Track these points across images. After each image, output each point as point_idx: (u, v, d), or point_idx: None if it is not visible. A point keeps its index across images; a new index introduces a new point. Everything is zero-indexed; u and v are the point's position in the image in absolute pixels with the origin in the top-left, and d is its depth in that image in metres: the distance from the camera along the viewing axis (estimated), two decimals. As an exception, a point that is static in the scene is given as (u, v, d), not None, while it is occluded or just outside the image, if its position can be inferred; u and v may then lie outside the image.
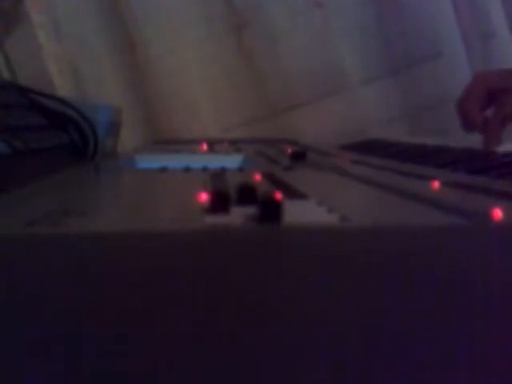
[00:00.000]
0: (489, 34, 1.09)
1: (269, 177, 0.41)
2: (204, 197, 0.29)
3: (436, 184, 0.36)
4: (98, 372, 0.11)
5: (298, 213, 0.26)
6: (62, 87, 1.03)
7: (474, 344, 0.13)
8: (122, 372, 0.11)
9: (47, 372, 0.11)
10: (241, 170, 0.52)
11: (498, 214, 0.25)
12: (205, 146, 0.74)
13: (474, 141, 0.69)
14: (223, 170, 0.48)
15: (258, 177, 0.41)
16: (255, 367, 0.11)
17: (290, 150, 0.59)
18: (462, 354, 0.12)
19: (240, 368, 0.11)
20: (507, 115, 0.68)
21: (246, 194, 0.28)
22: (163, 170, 0.50)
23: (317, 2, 1.06)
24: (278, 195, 0.25)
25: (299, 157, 0.56)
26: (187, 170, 0.50)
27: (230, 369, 0.11)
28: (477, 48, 1.09)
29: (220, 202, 0.26)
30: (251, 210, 0.25)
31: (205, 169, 0.50)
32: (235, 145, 0.79)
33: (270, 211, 0.24)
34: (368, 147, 0.73)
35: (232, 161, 0.57)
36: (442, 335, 0.13)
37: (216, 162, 0.55)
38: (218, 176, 0.41)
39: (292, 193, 0.32)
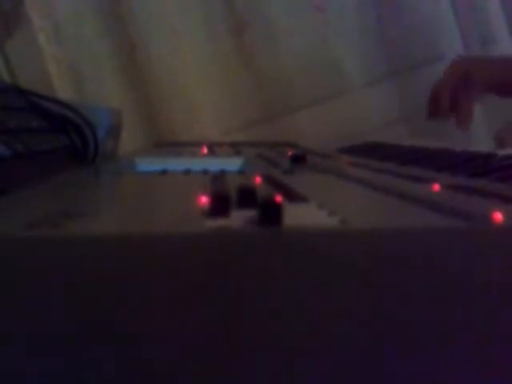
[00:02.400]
0: (489, 38, 1.09)
1: (269, 180, 0.41)
2: (204, 200, 0.29)
3: (436, 187, 0.36)
4: (97, 372, 0.11)
5: (298, 216, 0.26)
6: (62, 89, 1.03)
7: (474, 346, 0.13)
8: (122, 373, 0.11)
9: (47, 372, 0.11)
10: (241, 172, 0.52)
11: (498, 216, 0.25)
12: (205, 149, 0.74)
13: (475, 143, 0.70)
14: (223, 173, 0.48)
15: (258, 180, 0.40)
16: (256, 369, 0.11)
17: (290, 153, 0.59)
18: (463, 356, 0.12)
19: (240, 370, 0.11)
20: (477, 94, 0.69)
21: (246, 196, 0.28)
22: (163, 172, 0.50)
23: (318, 7, 1.06)
24: (278, 198, 0.25)
25: (299, 160, 0.56)
26: (187, 172, 0.50)
27: (231, 370, 0.11)
28: (477, 51, 1.09)
29: (220, 205, 0.26)
30: (251, 213, 0.25)
31: (205, 171, 0.50)
32: (235, 147, 0.79)
33: (270, 214, 0.24)
34: (368, 150, 0.73)
35: (232, 163, 0.56)
36: (442, 338, 0.13)
37: (216, 164, 0.55)
38: (218, 179, 0.41)
39: (292, 196, 0.32)
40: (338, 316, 0.14)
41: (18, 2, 1.02)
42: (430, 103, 0.75)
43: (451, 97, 0.73)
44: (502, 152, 0.57)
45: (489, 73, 0.73)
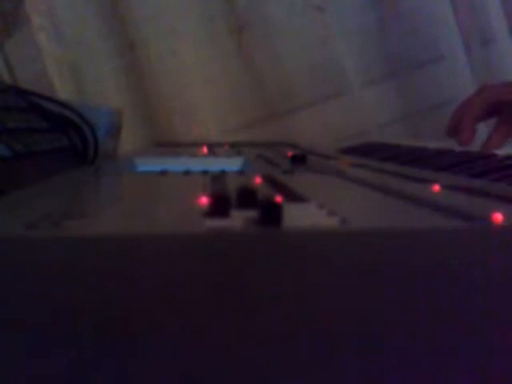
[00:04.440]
0: (489, 38, 1.09)
1: (269, 180, 0.41)
2: (204, 200, 0.29)
3: (436, 187, 0.36)
4: (97, 372, 0.11)
5: (298, 216, 0.26)
6: (63, 90, 1.03)
7: (475, 346, 0.13)
8: (122, 373, 0.11)
9: (47, 372, 0.11)
10: (241, 173, 0.52)
11: (498, 217, 0.25)
12: (205, 149, 0.74)
13: (475, 143, 0.70)
14: (223, 173, 0.48)
15: (258, 180, 0.40)
16: (256, 369, 0.11)
17: (289, 153, 0.59)
18: (464, 356, 0.12)
19: (240, 369, 0.11)
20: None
21: (246, 197, 0.28)
22: (163, 172, 0.50)
23: (318, 7, 1.06)
24: (278, 198, 0.25)
25: (299, 160, 0.56)
26: (187, 172, 0.50)
27: (231, 370, 0.11)
28: (477, 51, 1.09)
29: (220, 206, 0.26)
30: (251, 214, 0.25)
31: (205, 172, 0.50)
32: (235, 148, 0.79)
33: (271, 214, 0.24)
34: (368, 150, 0.73)
35: (232, 164, 0.56)
36: (443, 337, 0.13)
37: (216, 164, 0.55)
38: (218, 179, 0.41)
39: (292, 196, 0.32)
40: (337, 316, 0.14)
41: (18, 1, 1.02)
42: (451, 124, 0.75)
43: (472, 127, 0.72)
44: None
45: None
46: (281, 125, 1.07)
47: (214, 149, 0.76)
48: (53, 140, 0.55)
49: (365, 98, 1.09)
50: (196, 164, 0.55)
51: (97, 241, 0.21)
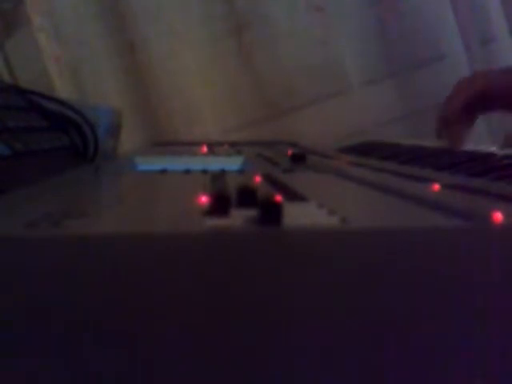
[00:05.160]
0: (489, 37, 1.09)
1: (269, 179, 0.41)
2: (204, 199, 0.29)
3: (436, 186, 0.36)
4: (97, 372, 0.11)
5: (298, 215, 0.26)
6: (63, 89, 1.03)
7: (474, 345, 0.13)
8: (122, 373, 0.11)
9: (47, 372, 0.11)
10: (241, 172, 0.52)
11: (498, 216, 0.25)
12: (205, 148, 0.74)
13: (473, 143, 0.70)
14: (223, 172, 0.48)
15: (258, 179, 0.40)
16: (255, 369, 0.11)
17: (289, 152, 0.59)
18: (463, 355, 0.12)
19: (240, 369, 0.11)
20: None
21: (246, 196, 0.28)
22: (163, 172, 0.50)
23: (317, 7, 1.06)
24: (278, 197, 0.25)
25: (299, 159, 0.56)
26: (187, 172, 0.50)
27: (231, 370, 0.11)
28: (477, 51, 1.09)
29: (220, 204, 0.26)
30: (251, 213, 0.25)
31: (205, 171, 0.50)
32: (235, 147, 0.79)
33: (270, 213, 0.24)
34: (368, 149, 0.73)
35: (232, 163, 0.56)
36: (442, 336, 0.13)
37: (216, 164, 0.55)
38: (217, 178, 0.41)
39: (292, 195, 0.32)
40: (337, 315, 0.14)
41: (18, 1, 1.02)
42: (439, 123, 0.72)
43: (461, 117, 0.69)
44: (503, 151, 0.57)
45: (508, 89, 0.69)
46: (281, 124, 1.07)
47: (213, 148, 0.76)
48: (53, 139, 0.55)
49: (365, 98, 1.09)
50: (196, 163, 0.55)
51: (97, 240, 0.21)
